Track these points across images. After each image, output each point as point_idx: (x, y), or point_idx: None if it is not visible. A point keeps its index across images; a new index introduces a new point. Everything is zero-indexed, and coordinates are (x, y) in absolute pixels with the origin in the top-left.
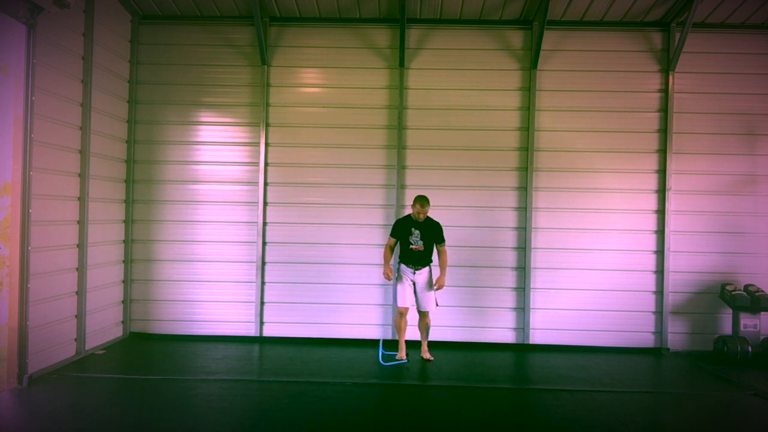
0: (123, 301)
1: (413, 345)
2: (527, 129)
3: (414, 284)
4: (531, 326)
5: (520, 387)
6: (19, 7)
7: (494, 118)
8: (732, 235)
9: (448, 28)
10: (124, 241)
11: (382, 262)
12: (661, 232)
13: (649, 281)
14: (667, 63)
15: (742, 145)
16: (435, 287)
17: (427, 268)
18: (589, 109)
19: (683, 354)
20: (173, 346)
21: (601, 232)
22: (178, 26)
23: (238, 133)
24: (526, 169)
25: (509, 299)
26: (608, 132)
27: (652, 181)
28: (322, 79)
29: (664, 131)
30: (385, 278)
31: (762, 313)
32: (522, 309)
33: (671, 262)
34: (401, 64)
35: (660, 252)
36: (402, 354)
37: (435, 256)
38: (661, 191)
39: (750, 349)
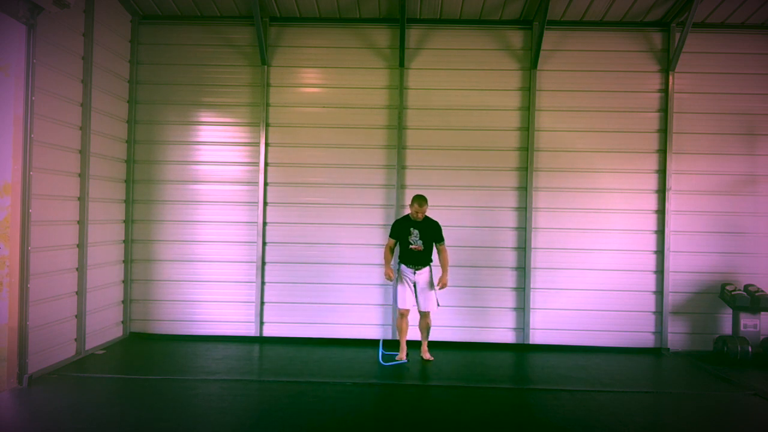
0: (123, 301)
1: (413, 345)
2: (527, 129)
3: (415, 285)
4: (531, 326)
5: (520, 387)
6: (19, 7)
7: (494, 118)
8: (732, 235)
9: (448, 28)
10: (124, 241)
11: (383, 263)
12: (661, 232)
13: (649, 281)
14: (667, 63)
15: (742, 145)
16: (438, 286)
17: (427, 267)
18: (589, 109)
19: (683, 354)
20: (173, 346)
21: (601, 232)
22: (178, 26)
23: (238, 133)
24: (526, 169)
25: (509, 299)
26: (608, 132)
27: (652, 181)
28: (322, 79)
29: (664, 131)
30: (387, 279)
31: (762, 313)
32: (522, 309)
33: (671, 262)
34: (401, 64)
35: (660, 252)
36: (402, 355)
37: (435, 256)
38: (661, 191)
39: (750, 349)
